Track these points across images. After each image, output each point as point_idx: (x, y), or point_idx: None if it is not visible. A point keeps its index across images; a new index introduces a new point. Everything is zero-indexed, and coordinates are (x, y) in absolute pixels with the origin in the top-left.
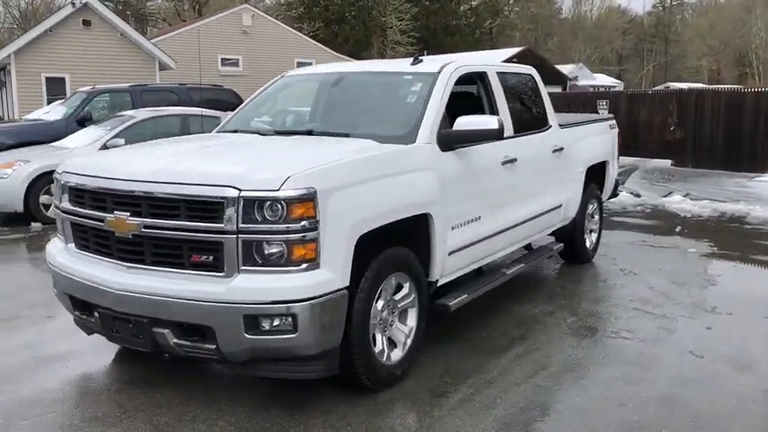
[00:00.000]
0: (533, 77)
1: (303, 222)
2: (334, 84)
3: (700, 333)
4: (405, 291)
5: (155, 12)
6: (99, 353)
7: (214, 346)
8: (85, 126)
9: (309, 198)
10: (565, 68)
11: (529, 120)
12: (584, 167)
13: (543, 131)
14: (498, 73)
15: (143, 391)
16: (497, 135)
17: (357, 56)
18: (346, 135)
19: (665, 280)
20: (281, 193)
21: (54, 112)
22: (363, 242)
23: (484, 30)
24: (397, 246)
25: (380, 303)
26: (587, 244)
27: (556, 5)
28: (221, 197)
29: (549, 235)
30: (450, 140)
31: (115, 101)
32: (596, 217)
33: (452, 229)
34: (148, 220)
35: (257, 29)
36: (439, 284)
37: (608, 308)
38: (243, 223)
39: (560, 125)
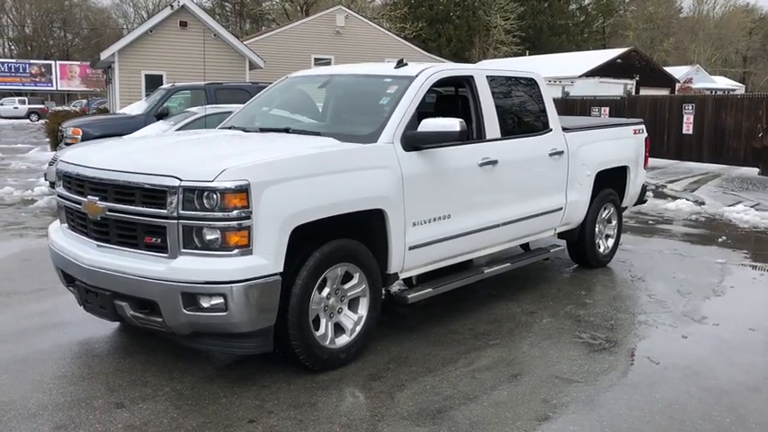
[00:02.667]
0: (535, 82)
1: (236, 211)
2: (321, 86)
3: (671, 341)
4: (354, 281)
5: (266, 12)
6: (97, 323)
7: (161, 320)
8: (163, 120)
9: (242, 189)
10: (680, 70)
11: (523, 123)
12: (594, 171)
13: (540, 135)
14: (489, 77)
15: (114, 357)
16: (459, 137)
17: (460, 56)
18: (317, 134)
19: (670, 289)
20: (216, 184)
21: (137, 108)
22: (305, 232)
23: (594, 30)
24: (346, 238)
25: (326, 291)
26: (600, 249)
27: (676, 4)
28: (165, 186)
29: (560, 237)
30: (414, 141)
31: (192, 97)
32: (613, 222)
33: (414, 225)
34: (111, 205)
35: (350, 29)
36: (402, 277)
37: (591, 311)
38: (183, 210)
39: (566, 129)
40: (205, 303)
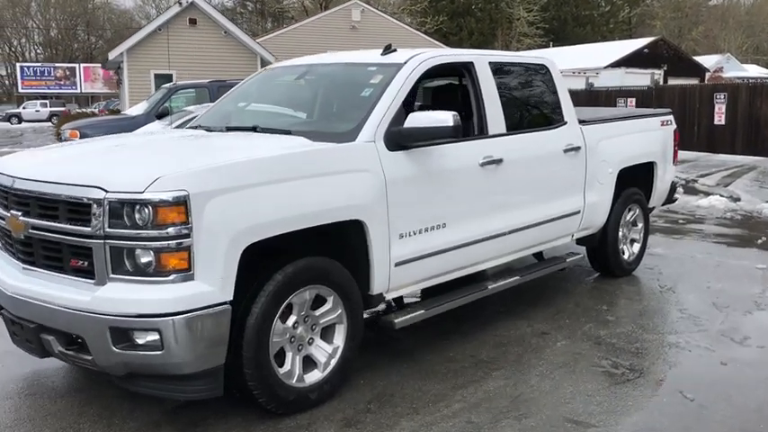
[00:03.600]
0: (547, 69)
1: (173, 228)
2: (298, 77)
3: (707, 370)
4: (328, 305)
5: (285, 10)
6: None
7: (90, 358)
8: (160, 120)
9: (180, 202)
10: (710, 59)
11: (533, 116)
12: (616, 169)
13: (552, 129)
14: (492, 63)
15: (49, 397)
16: (453, 132)
17: (482, 49)
18: (287, 132)
19: (705, 301)
20: (148, 196)
21: (138, 108)
22: (263, 250)
23: (620, 20)
24: (316, 255)
25: (291, 319)
26: (625, 255)
27: None
28: (89, 198)
29: (579, 243)
30: (400, 139)
31: (195, 96)
32: (640, 225)
33: (401, 237)
34: (34, 221)
35: (366, 24)
36: (390, 298)
37: (614, 331)
38: (110, 228)
39: (583, 121)
40: (140, 340)
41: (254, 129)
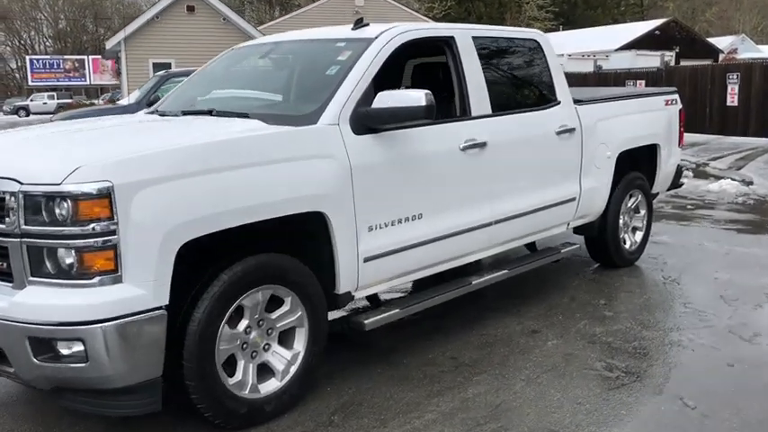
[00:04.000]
0: (538, 44)
1: (96, 224)
2: (262, 56)
3: (712, 372)
4: (285, 307)
5: None
6: None
7: (12, 370)
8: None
9: (103, 194)
10: (724, 41)
11: (522, 95)
12: (616, 152)
13: (544, 109)
14: (476, 38)
15: None
16: (426, 113)
17: None
18: (244, 115)
19: (712, 293)
20: (67, 188)
21: (132, 97)
22: (205, 248)
23: (631, 2)
24: (271, 251)
25: (243, 323)
26: (626, 245)
27: None
28: (2, 192)
29: (577, 232)
30: (368, 121)
31: None
32: (642, 212)
33: (370, 230)
34: None
35: (370, 9)
36: (360, 296)
37: (611, 328)
38: (26, 224)
39: (578, 101)
40: (63, 351)
41: (209, 112)
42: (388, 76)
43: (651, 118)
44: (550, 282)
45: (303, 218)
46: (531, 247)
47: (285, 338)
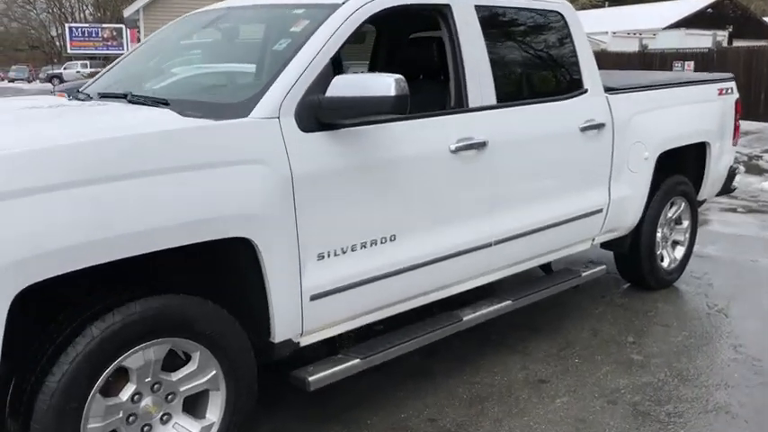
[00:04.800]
0: (562, 17)
1: None
2: (207, 26)
3: None
4: (192, 366)
5: None
6: None
7: None
8: None
9: None
10: None
11: (539, 81)
12: (656, 152)
13: (566, 99)
14: (480, 8)
15: None
16: (395, 106)
17: None
18: (163, 102)
19: None
20: None
21: None
22: (67, 288)
23: None
24: (167, 292)
25: (129, 389)
26: (664, 262)
27: None
28: None
29: (604, 247)
30: (320, 114)
31: None
32: (685, 223)
33: (321, 258)
34: None
35: None
36: (307, 343)
37: (638, 380)
38: None
39: (610, 89)
40: None
41: (124, 96)
42: (358, 55)
43: (701, 110)
44: (569, 306)
45: (221, 246)
46: (545, 267)
47: (193, 406)
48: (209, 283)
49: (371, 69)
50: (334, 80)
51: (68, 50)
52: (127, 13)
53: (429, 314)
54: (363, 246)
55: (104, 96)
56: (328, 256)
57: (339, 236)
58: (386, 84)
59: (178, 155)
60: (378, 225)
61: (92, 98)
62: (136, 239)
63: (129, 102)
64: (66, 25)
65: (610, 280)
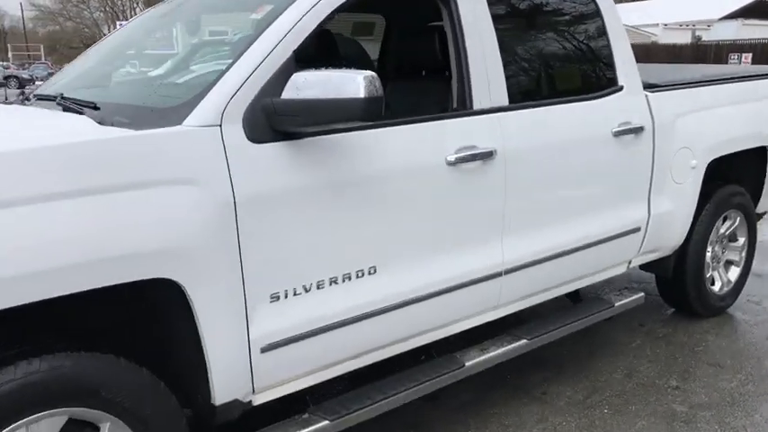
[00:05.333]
0: (593, 0)
1: None
2: (165, 15)
3: None
4: None
5: None
6: None
7: None
8: None
9: None
10: None
11: (563, 77)
12: (705, 159)
13: (596, 98)
14: None
15: None
16: (366, 111)
17: None
18: (91, 106)
19: None
20: None
21: None
22: None
23: None
24: (65, 350)
25: None
26: (715, 286)
27: None
28: None
29: (644, 269)
30: (274, 121)
31: None
32: (741, 240)
33: (274, 299)
34: None
35: None
36: (261, 402)
37: None
38: None
39: (651, 86)
40: None
41: (54, 99)
42: (334, 50)
43: (759, 109)
44: (599, 337)
45: (140, 289)
46: (572, 294)
47: None
48: (128, 336)
49: (380, 67)
50: (291, 78)
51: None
52: None
53: (425, 352)
54: (333, 282)
55: (41, 98)
56: (285, 296)
57: (300, 271)
58: (354, 83)
59: (76, 175)
60: (352, 256)
61: (29, 99)
62: (13, 287)
63: (58, 104)
64: (118, 23)
65: (650, 303)
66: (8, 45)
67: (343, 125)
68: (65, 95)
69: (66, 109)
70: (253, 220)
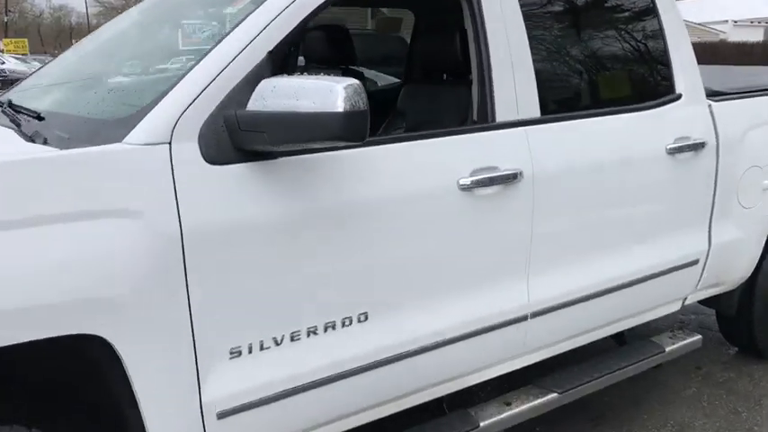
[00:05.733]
0: None
1: None
2: (141, 12)
3: None
4: None
5: None
6: None
7: None
8: None
9: None
10: None
11: (609, 82)
12: None
13: (648, 108)
14: None
15: None
16: (347, 130)
17: None
18: (37, 117)
19: None
20: None
21: None
22: None
23: None
24: None
25: None
26: None
27: None
28: None
29: (703, 304)
30: (238, 138)
31: None
32: None
33: (235, 355)
34: None
35: None
36: None
37: None
38: None
39: (715, 93)
40: None
41: (2, 106)
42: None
43: None
44: (648, 381)
45: (62, 347)
46: (618, 338)
47: None
48: (49, 402)
49: (407, 70)
50: (259, 85)
51: (180, 48)
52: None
53: (435, 406)
54: (312, 332)
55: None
56: (250, 351)
57: (268, 320)
58: (332, 93)
59: None
60: (337, 300)
61: None
62: None
63: (5, 113)
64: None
65: (709, 340)
66: (73, 41)
67: (319, 145)
68: (13, 102)
69: (8, 117)
70: (206, 260)
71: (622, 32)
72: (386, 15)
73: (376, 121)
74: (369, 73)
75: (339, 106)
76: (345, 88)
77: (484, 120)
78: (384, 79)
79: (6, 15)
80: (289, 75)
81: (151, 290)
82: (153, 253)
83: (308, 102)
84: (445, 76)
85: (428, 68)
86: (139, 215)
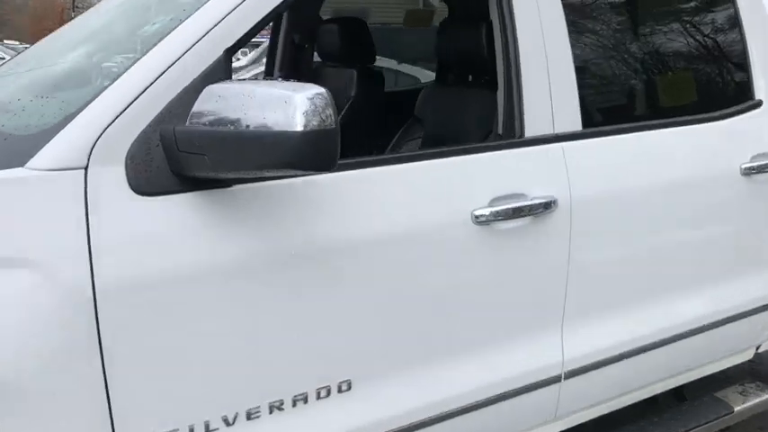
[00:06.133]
0: None
1: None
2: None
3: None
4: None
5: None
6: None
7: None
8: None
9: None
10: None
11: (670, 88)
12: None
13: (719, 119)
14: None
15: None
16: (306, 155)
17: None
18: None
19: None
20: None
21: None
22: None
23: None
24: None
25: None
26: None
27: None
28: None
29: None
30: (175, 161)
31: None
32: None
33: None
34: None
35: None
36: None
37: None
38: None
39: None
40: None
41: None
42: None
43: None
44: None
45: None
46: (678, 393)
47: None
48: None
49: (439, 72)
50: (202, 94)
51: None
52: None
53: None
54: (276, 407)
55: None
56: None
57: (217, 395)
58: (287, 106)
59: None
60: (310, 367)
61: None
62: None
63: None
64: None
65: None
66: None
67: (273, 173)
68: None
69: None
70: (130, 325)
71: (687, 24)
72: (415, 8)
73: (393, 127)
74: (411, 69)
75: (297, 123)
76: (305, 100)
77: (510, 134)
78: (429, 77)
79: None
80: (240, 79)
81: (49, 369)
82: (54, 319)
83: (259, 116)
84: (471, 77)
85: (451, 69)
86: (38, 266)
